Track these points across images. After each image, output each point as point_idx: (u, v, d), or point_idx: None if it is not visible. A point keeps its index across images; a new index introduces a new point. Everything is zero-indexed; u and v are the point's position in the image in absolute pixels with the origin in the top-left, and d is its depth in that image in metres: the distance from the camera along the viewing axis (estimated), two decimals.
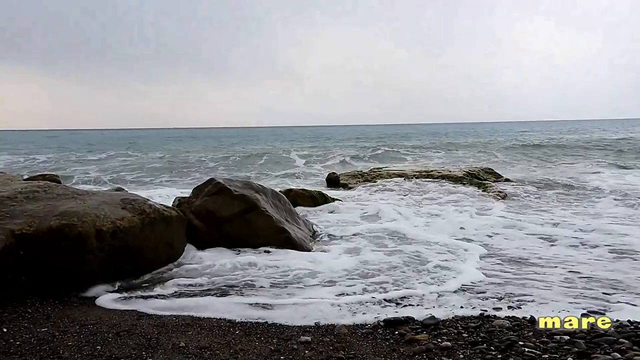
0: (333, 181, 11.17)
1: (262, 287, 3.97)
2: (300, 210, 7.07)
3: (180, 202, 5.79)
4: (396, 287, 3.92)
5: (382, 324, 3.09)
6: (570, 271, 4.32)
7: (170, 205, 5.28)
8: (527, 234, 5.86)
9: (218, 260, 4.64)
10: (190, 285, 4.02)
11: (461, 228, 6.26)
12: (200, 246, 5.08)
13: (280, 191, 6.87)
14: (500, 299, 3.60)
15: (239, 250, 5.07)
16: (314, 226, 6.34)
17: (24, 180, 5.42)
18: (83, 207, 3.97)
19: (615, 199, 8.47)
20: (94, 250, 3.77)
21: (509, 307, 3.38)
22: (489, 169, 12.25)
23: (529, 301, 3.52)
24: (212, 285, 4.03)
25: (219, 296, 3.70)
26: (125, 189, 7.11)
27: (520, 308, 3.37)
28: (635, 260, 4.64)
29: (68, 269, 3.70)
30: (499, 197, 8.55)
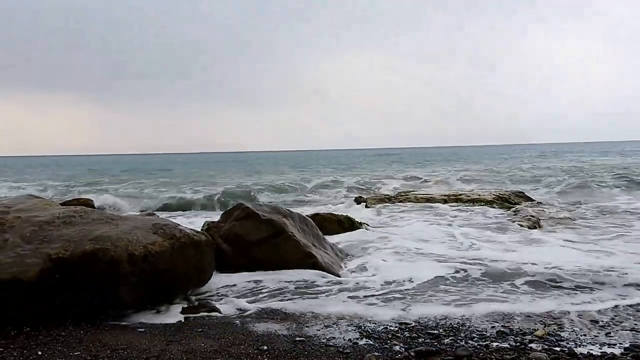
0: (360, 205, 11.12)
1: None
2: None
3: (209, 226, 5.87)
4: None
5: (412, 354, 3.01)
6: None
7: (200, 230, 5.35)
8: None
9: (247, 284, 4.68)
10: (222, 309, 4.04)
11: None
12: (228, 270, 5.12)
13: (307, 215, 6.88)
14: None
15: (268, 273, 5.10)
16: (339, 252, 6.29)
17: (61, 204, 5.61)
18: (116, 232, 4.07)
19: None
20: (126, 274, 3.84)
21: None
22: (520, 192, 11.97)
23: None
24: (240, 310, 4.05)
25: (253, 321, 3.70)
26: (157, 214, 7.24)
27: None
28: None
29: (101, 292, 3.76)
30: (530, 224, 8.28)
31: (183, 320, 3.81)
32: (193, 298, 4.39)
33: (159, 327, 3.64)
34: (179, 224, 4.80)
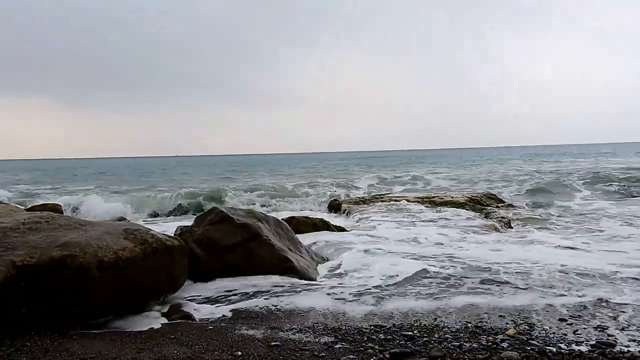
0: (335, 208, 11.15)
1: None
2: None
3: (182, 231, 5.76)
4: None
5: (387, 356, 3.02)
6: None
7: (173, 235, 5.26)
8: None
9: (221, 290, 4.62)
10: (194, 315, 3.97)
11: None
12: (202, 275, 5.04)
13: (282, 219, 6.85)
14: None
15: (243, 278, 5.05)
16: (315, 255, 6.29)
17: (27, 210, 5.42)
18: (85, 238, 3.95)
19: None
20: (95, 281, 3.73)
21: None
22: (492, 194, 12.23)
23: None
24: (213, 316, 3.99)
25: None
26: (128, 219, 7.08)
27: None
28: None
29: (69, 300, 3.65)
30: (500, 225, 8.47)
31: (155, 328, 3.73)
32: (166, 304, 4.30)
33: (130, 334, 3.55)
34: (150, 229, 4.70)
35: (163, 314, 4.06)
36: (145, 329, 3.70)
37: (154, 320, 3.90)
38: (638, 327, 3.54)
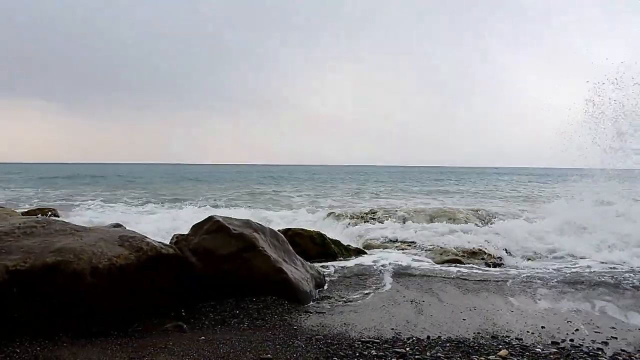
0: (332, 220, 11.14)
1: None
2: None
3: (178, 239, 5.75)
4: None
5: None
6: None
7: (168, 243, 5.25)
8: None
9: (214, 303, 4.59)
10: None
11: None
12: (200, 285, 5.02)
13: (278, 230, 6.84)
14: None
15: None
16: (310, 267, 6.27)
17: (22, 214, 5.42)
18: (80, 244, 3.95)
19: None
20: (89, 287, 3.72)
21: None
22: (489, 211, 12.25)
23: None
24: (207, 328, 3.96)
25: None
26: (125, 226, 7.07)
27: None
28: None
29: (62, 306, 3.63)
30: None
31: (147, 336, 3.71)
32: (159, 313, 4.27)
33: (121, 343, 3.54)
34: (146, 236, 4.70)
35: (155, 323, 4.04)
36: (137, 337, 3.68)
37: (145, 329, 3.88)
38: None
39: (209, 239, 5.45)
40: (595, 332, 3.99)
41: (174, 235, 6.03)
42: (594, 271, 6.50)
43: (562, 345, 3.65)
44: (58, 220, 5.02)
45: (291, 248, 6.35)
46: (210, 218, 5.87)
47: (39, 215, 5.36)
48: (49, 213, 9.27)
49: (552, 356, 3.39)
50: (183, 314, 4.35)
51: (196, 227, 5.82)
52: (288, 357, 3.27)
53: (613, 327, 4.12)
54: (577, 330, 4.03)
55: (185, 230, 5.78)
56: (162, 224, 10.27)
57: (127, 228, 6.16)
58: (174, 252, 4.77)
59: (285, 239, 6.37)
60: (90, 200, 17.45)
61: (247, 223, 6.04)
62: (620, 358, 3.38)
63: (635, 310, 4.67)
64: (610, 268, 6.74)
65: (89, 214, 13.16)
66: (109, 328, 3.82)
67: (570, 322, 4.25)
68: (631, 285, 5.65)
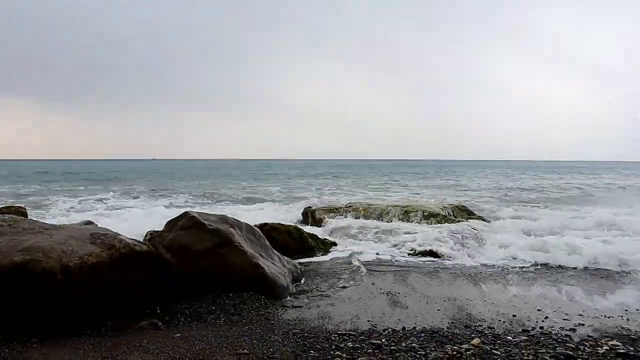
0: (308, 216, 11.15)
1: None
2: None
3: (152, 236, 5.66)
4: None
5: None
6: None
7: (142, 240, 5.16)
8: None
9: (190, 299, 4.55)
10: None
11: None
12: (174, 282, 4.96)
13: (255, 225, 6.81)
14: None
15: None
16: (287, 262, 6.28)
17: None
18: (49, 242, 3.85)
19: None
20: (59, 287, 3.63)
21: None
22: (463, 206, 12.46)
23: None
24: (182, 325, 3.92)
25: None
26: (96, 223, 6.91)
27: None
28: None
29: (31, 307, 3.54)
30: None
31: (120, 335, 3.65)
32: (133, 311, 4.20)
33: (94, 342, 3.47)
34: (119, 234, 4.62)
35: (129, 321, 3.97)
36: (111, 336, 3.62)
37: (119, 327, 3.82)
38: None
39: (184, 235, 5.39)
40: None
41: (148, 232, 5.94)
42: None
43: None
44: (26, 219, 4.88)
45: (268, 243, 6.33)
46: (185, 214, 5.79)
47: (5, 215, 5.17)
48: (17, 211, 8.97)
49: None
50: (158, 311, 4.29)
51: (171, 224, 5.74)
52: (265, 351, 3.27)
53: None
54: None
55: (160, 227, 5.70)
56: (136, 221, 10.08)
57: (99, 225, 6.04)
58: (148, 249, 4.70)
59: (261, 234, 6.35)
60: (64, 197, 17.02)
61: (223, 218, 5.99)
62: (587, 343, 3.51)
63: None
64: None
65: (60, 212, 12.84)
66: (82, 328, 3.74)
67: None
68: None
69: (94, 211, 12.91)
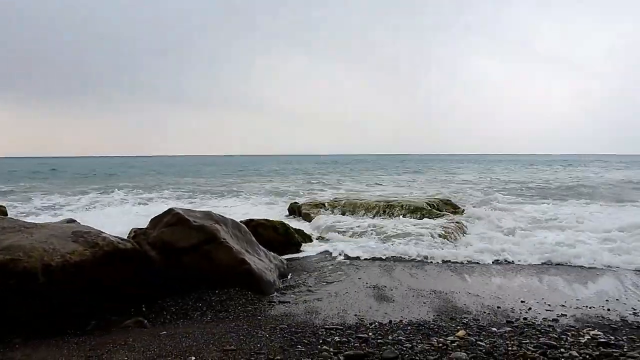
0: (294, 211, 11.14)
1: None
2: None
3: (136, 233, 5.60)
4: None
5: (342, 358, 3.06)
6: None
7: (126, 237, 5.10)
8: None
9: (174, 297, 4.51)
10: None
11: None
12: (159, 279, 4.92)
13: (241, 221, 6.77)
14: None
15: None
16: (273, 257, 6.27)
17: None
18: (30, 241, 3.78)
19: None
20: (41, 286, 3.57)
21: None
22: (448, 200, 12.56)
23: None
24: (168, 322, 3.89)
25: None
26: (79, 221, 6.80)
27: None
28: None
29: (13, 307, 3.47)
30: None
31: (105, 334, 3.61)
32: (118, 309, 4.16)
33: (78, 342, 3.42)
34: (102, 231, 4.55)
35: (114, 320, 3.93)
36: (95, 335, 3.58)
37: (104, 326, 3.78)
38: None
39: (169, 232, 5.33)
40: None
41: (132, 229, 5.86)
42: None
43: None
44: (6, 218, 4.77)
45: (254, 239, 6.31)
46: (169, 210, 5.74)
47: None
48: None
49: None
50: (143, 309, 4.25)
51: (155, 220, 5.67)
52: (252, 347, 3.26)
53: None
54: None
55: (144, 224, 5.63)
56: (120, 218, 9.96)
57: (82, 223, 5.94)
58: (132, 246, 4.65)
59: (247, 229, 6.32)
60: (44, 194, 16.72)
61: (208, 214, 5.94)
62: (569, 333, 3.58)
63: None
64: None
65: (41, 210, 12.60)
66: (66, 327, 3.69)
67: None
68: None
69: (75, 208, 12.71)
